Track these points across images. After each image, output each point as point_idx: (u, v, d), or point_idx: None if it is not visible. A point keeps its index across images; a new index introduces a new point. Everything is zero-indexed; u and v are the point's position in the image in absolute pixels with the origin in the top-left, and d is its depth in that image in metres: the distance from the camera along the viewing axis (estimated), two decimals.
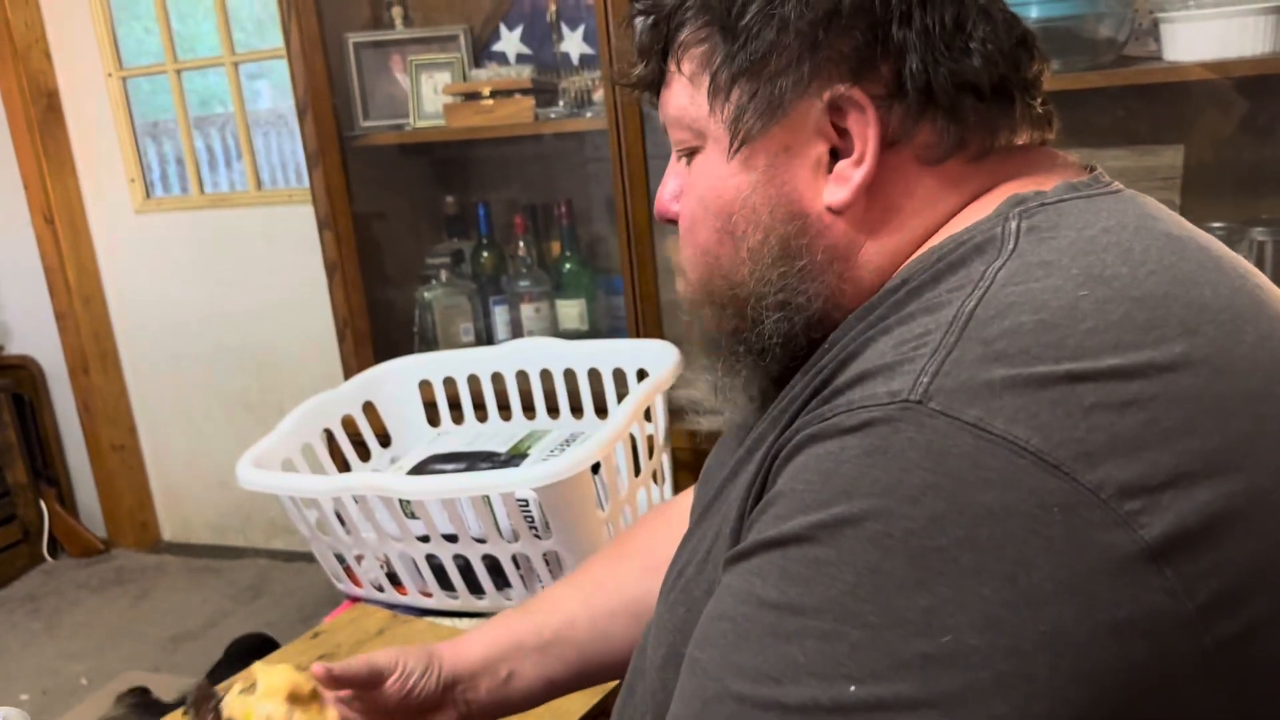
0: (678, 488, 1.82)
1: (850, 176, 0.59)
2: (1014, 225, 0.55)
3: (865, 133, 0.58)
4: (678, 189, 0.67)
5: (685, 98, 0.63)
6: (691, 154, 0.65)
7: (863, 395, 0.50)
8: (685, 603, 0.62)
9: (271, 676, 0.79)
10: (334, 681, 0.78)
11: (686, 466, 1.87)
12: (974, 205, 0.59)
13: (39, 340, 3.09)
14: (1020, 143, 0.61)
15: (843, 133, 0.59)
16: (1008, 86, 0.59)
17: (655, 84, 0.66)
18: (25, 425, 3.12)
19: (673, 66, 0.64)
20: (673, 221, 0.69)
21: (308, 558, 2.91)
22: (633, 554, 0.96)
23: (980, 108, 0.59)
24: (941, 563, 0.45)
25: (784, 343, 0.62)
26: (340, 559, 1.60)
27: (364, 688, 0.80)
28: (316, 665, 0.78)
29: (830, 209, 0.60)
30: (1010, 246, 0.54)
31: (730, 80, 0.60)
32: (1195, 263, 0.54)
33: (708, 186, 0.63)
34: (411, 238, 2.31)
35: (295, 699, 0.78)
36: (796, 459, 0.52)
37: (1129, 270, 0.52)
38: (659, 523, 0.97)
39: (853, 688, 0.45)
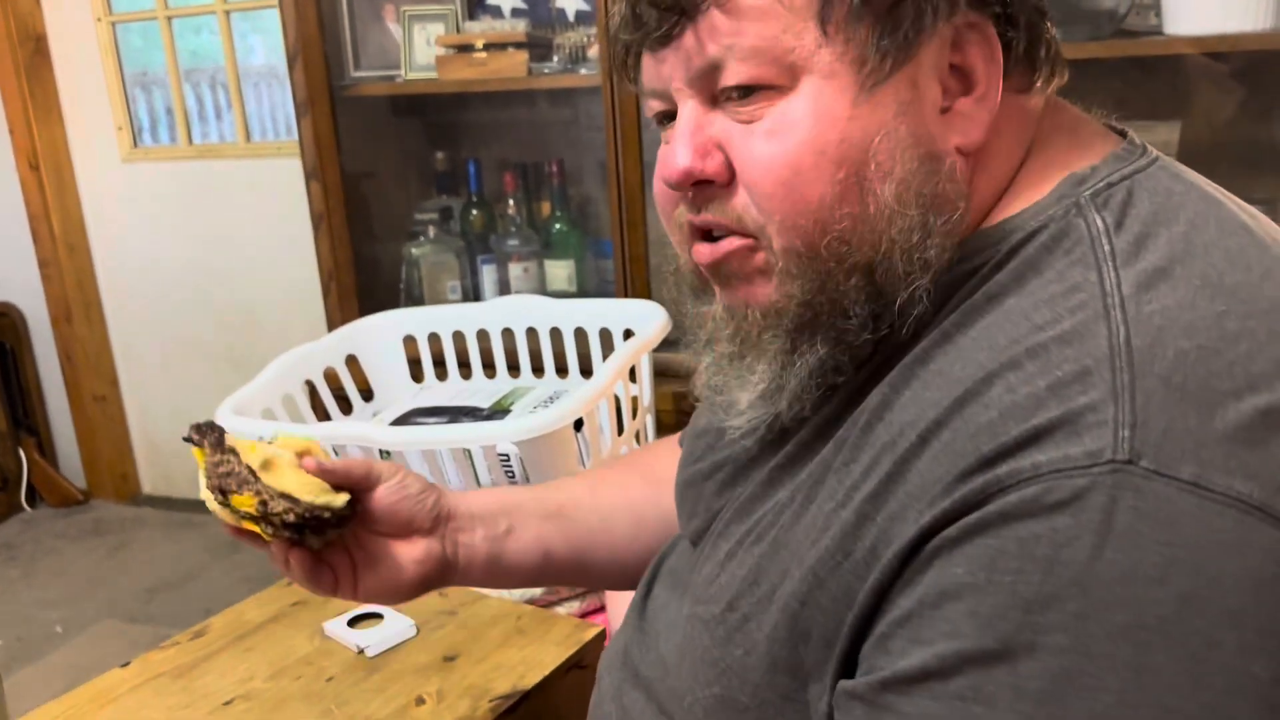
0: None
1: (976, 114, 0.54)
2: (1098, 222, 0.51)
3: (989, 65, 0.53)
4: (706, 143, 0.55)
5: (775, 25, 0.52)
6: (750, 93, 0.54)
7: (1051, 459, 0.44)
8: (744, 645, 0.55)
9: (290, 438, 0.75)
10: (328, 475, 0.72)
11: (669, 429, 1.86)
12: (1025, 173, 0.56)
13: (22, 288, 3.06)
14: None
15: (954, 70, 0.54)
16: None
17: (686, 9, 0.53)
18: (6, 373, 3.10)
19: None
20: (702, 182, 0.56)
21: None
22: (637, 466, 0.92)
23: (1051, 39, 0.56)
24: (1206, 648, 0.42)
25: (920, 313, 0.53)
26: None
27: (357, 488, 0.74)
28: (308, 460, 0.72)
29: (961, 150, 0.54)
30: (1106, 249, 0.50)
31: (859, 6, 0.51)
32: (1276, 255, 0.52)
33: (820, 131, 0.52)
34: (400, 193, 2.29)
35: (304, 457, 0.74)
36: (979, 542, 0.45)
37: (1243, 276, 0.49)
38: (664, 449, 0.91)
39: None
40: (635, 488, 0.87)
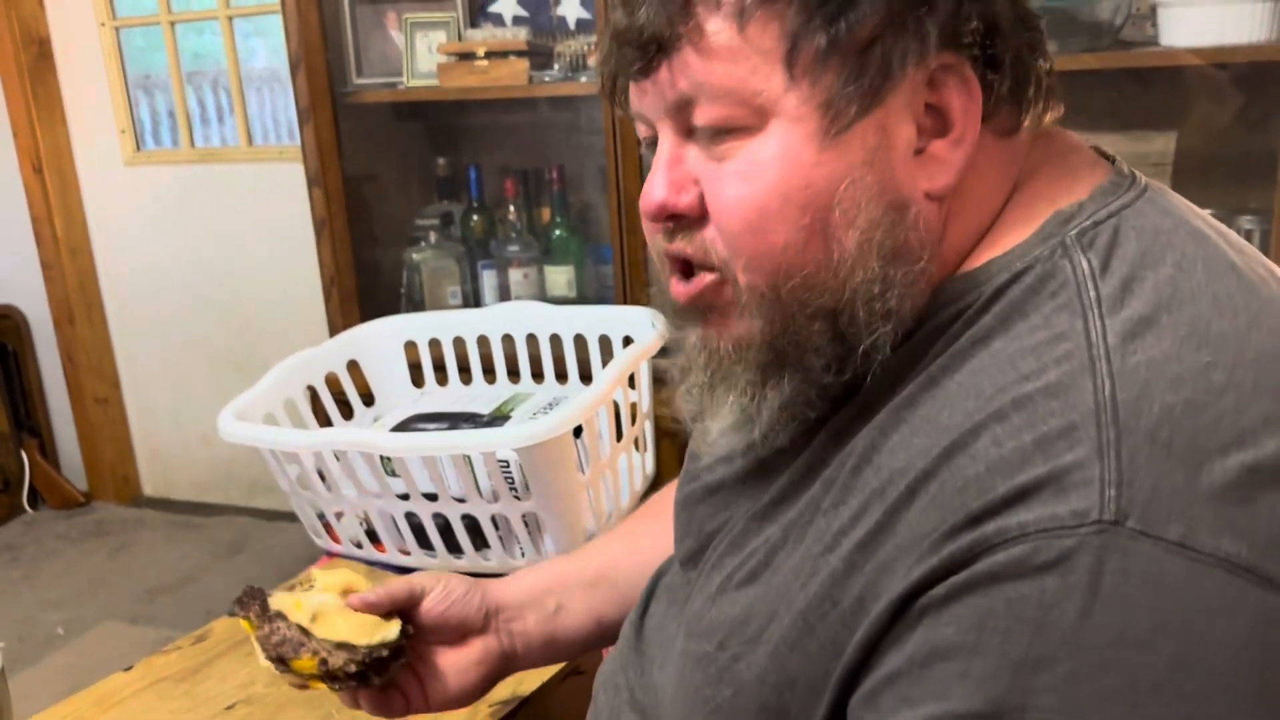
0: (659, 455, 1.82)
1: (950, 158, 0.53)
2: (1084, 265, 0.50)
3: (966, 107, 0.52)
4: (683, 178, 0.56)
5: (743, 67, 0.52)
6: (721, 132, 0.54)
7: (1038, 519, 0.44)
8: (733, 684, 0.56)
9: (328, 576, 0.77)
10: (374, 608, 0.74)
11: (669, 435, 1.87)
12: (1010, 210, 0.55)
13: (24, 290, 3.07)
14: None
15: (929, 109, 0.53)
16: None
17: (663, 45, 0.53)
18: (9, 375, 3.11)
19: (710, 24, 0.52)
20: (675, 217, 0.56)
21: (288, 517, 2.90)
22: (667, 514, 0.94)
23: (1045, 75, 0.55)
24: (1197, 711, 0.42)
25: (883, 360, 0.54)
26: (320, 515, 1.60)
27: (404, 609, 0.77)
28: (353, 599, 0.74)
29: (929, 195, 0.53)
30: (1091, 295, 0.49)
31: (825, 50, 0.51)
32: (1265, 299, 0.51)
33: (786, 175, 0.52)
34: (401, 198, 2.30)
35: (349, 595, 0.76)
36: (967, 603, 0.45)
37: (1230, 324, 0.48)
38: None
39: None
40: (669, 536, 0.88)
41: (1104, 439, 0.45)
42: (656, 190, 0.56)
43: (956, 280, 0.54)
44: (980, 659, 0.44)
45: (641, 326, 1.68)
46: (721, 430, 0.58)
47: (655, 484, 1.80)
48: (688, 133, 0.55)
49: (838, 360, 0.54)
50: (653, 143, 0.58)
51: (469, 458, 1.39)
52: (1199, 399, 0.46)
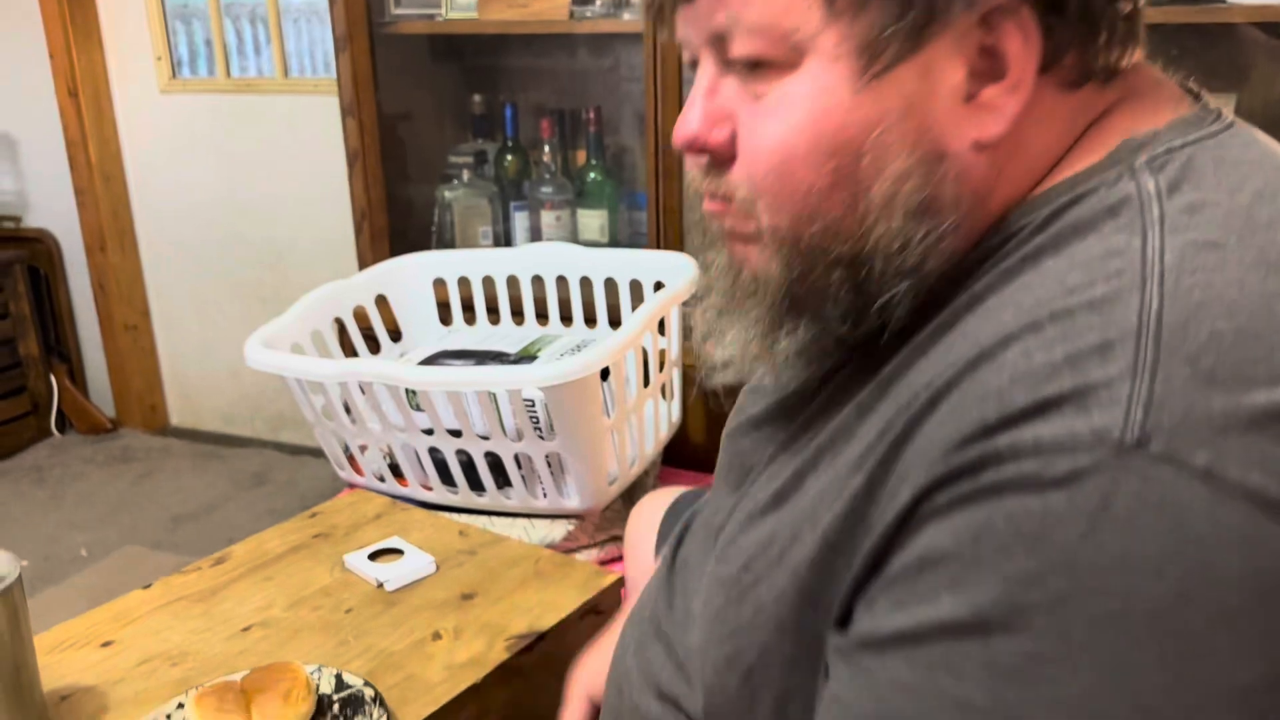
0: (686, 405, 1.80)
1: (1003, 105, 0.49)
2: (1150, 185, 0.47)
3: (1023, 52, 0.49)
4: (717, 111, 0.54)
5: (780, 2, 0.49)
6: (757, 66, 0.51)
7: (1055, 435, 0.42)
8: (754, 604, 0.55)
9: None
10: None
11: (696, 385, 1.85)
12: (1081, 140, 0.52)
13: (57, 215, 3.07)
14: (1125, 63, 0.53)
15: (984, 52, 0.49)
16: None
17: None
18: (40, 299, 3.12)
19: None
20: (706, 152, 0.55)
21: (313, 452, 2.91)
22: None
23: (1122, 20, 0.51)
24: (1195, 647, 0.40)
25: (906, 315, 0.51)
26: (344, 448, 1.59)
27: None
28: None
29: (976, 145, 0.50)
30: (1155, 214, 0.46)
31: None
32: None
33: (816, 117, 0.50)
34: (435, 135, 2.27)
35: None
36: (968, 512, 0.43)
37: None
38: None
39: None
40: None
41: (1141, 359, 0.42)
42: (691, 121, 0.55)
43: (1020, 212, 0.51)
44: (973, 570, 0.43)
45: (674, 272, 1.66)
46: (725, 359, 0.57)
47: (681, 433, 1.78)
48: (727, 64, 0.53)
49: (855, 311, 0.53)
50: (695, 64, 0.56)
51: (494, 395, 1.38)
52: (1254, 328, 0.43)
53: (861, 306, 0.52)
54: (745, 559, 0.57)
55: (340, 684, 0.86)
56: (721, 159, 0.54)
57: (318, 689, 0.82)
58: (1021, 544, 0.41)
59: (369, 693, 0.85)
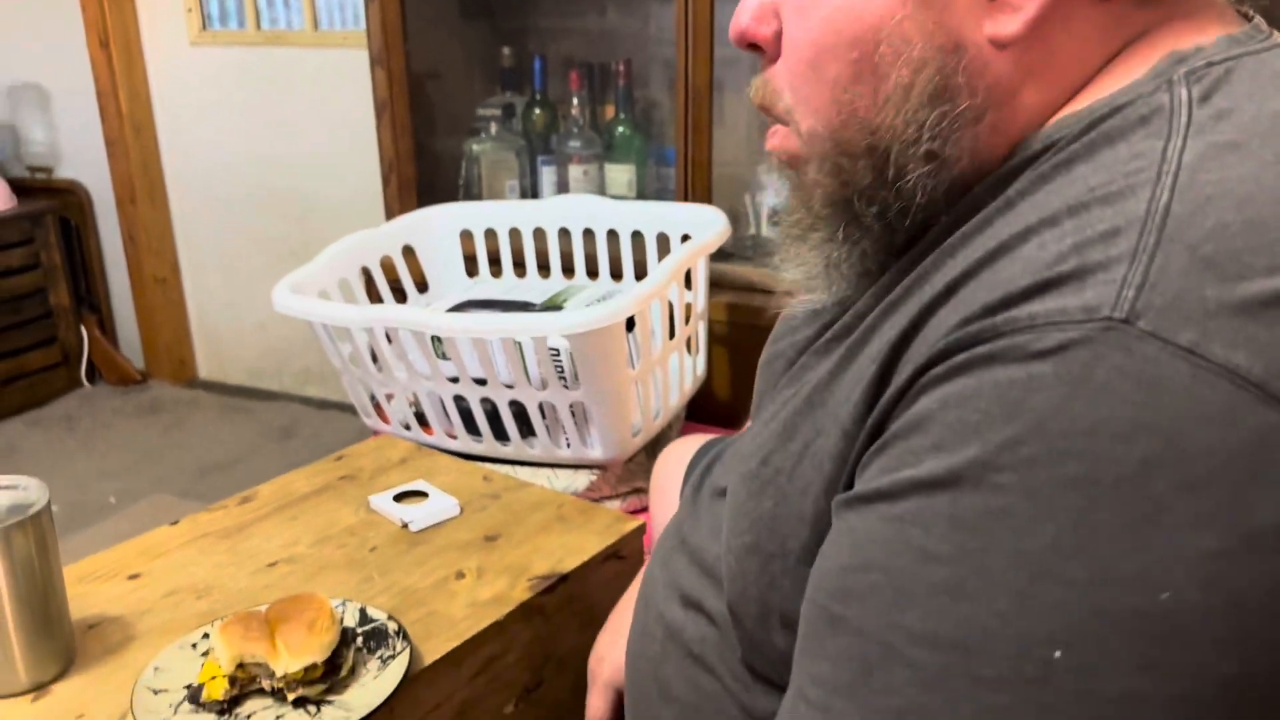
0: (711, 360, 1.80)
1: (1022, 4, 0.50)
2: (1183, 94, 0.48)
3: None
4: (766, 8, 0.57)
5: None
6: None
7: (1048, 310, 0.43)
8: (774, 496, 0.57)
9: (223, 641, 0.80)
10: None
11: (721, 340, 1.85)
12: (1125, 56, 0.52)
13: (88, 166, 3.09)
14: None
15: None
16: None
17: None
18: (71, 251, 3.15)
19: None
20: (754, 48, 0.58)
21: (339, 406, 2.94)
22: None
23: None
24: (1157, 512, 0.40)
25: (926, 204, 0.53)
26: (371, 397, 1.60)
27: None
28: None
29: (994, 42, 0.51)
30: (1184, 120, 0.47)
31: None
32: None
33: (841, 9, 0.52)
34: (464, 88, 2.26)
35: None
36: (959, 381, 0.45)
37: None
38: None
39: (1058, 653, 0.41)
40: None
41: (1142, 244, 0.43)
42: (742, 16, 0.57)
43: (1058, 123, 0.52)
44: (952, 433, 0.44)
45: (702, 225, 1.65)
46: (794, 282, 0.60)
47: (706, 387, 1.78)
48: None
49: (881, 204, 0.54)
50: None
51: (519, 344, 1.38)
52: (1262, 220, 0.43)
53: (886, 199, 0.54)
54: (764, 453, 0.58)
55: (364, 618, 0.86)
56: (768, 60, 0.57)
57: (342, 621, 0.82)
58: (1002, 410, 0.43)
59: (392, 626, 0.85)
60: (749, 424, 0.74)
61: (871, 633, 0.45)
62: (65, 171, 3.15)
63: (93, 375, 3.22)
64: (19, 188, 3.06)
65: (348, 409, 2.87)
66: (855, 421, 0.51)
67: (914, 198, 0.53)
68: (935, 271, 0.51)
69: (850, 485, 0.51)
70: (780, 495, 0.56)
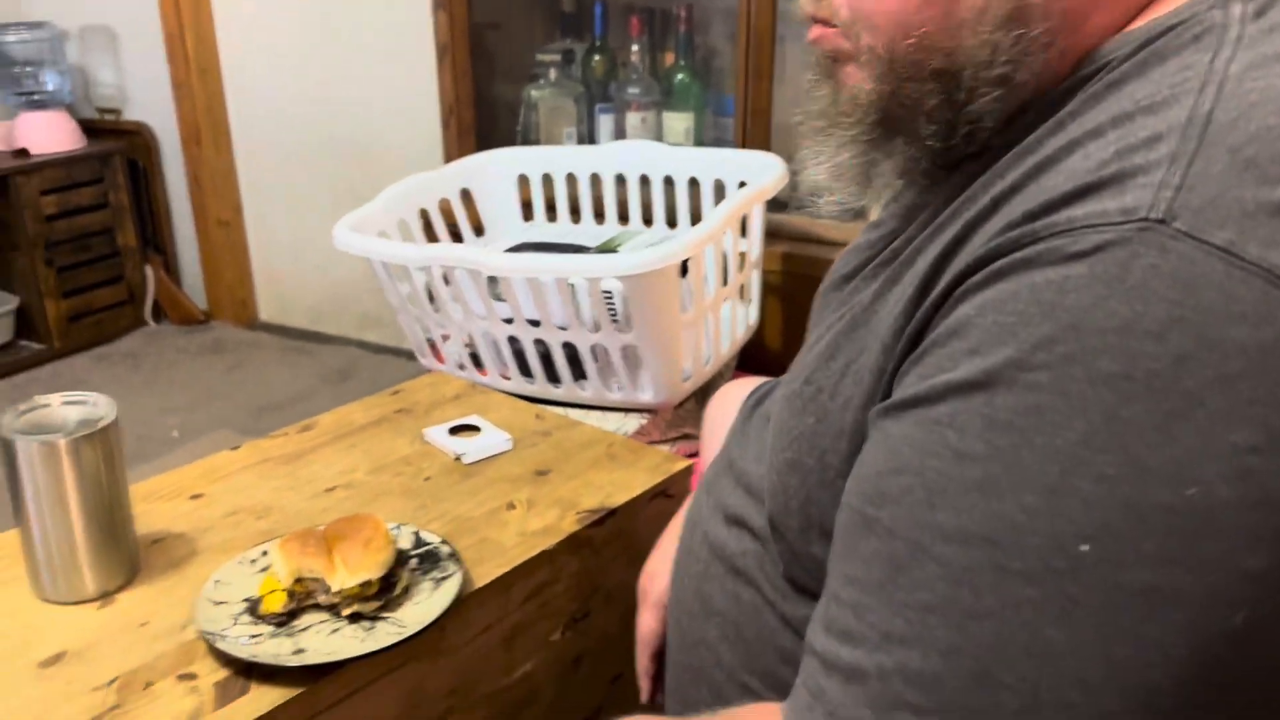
0: (764, 309, 1.80)
1: None
2: (1237, 10, 0.48)
3: None
4: None
5: None
6: None
7: (1087, 213, 0.43)
8: (816, 413, 0.58)
9: (282, 556, 0.82)
10: None
11: (775, 290, 1.84)
12: None
13: (155, 108, 3.13)
14: None
15: None
16: None
17: None
18: (138, 191, 3.21)
19: None
20: None
21: (395, 351, 2.98)
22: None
23: None
24: (1188, 407, 0.40)
25: (993, 127, 0.53)
26: (427, 338, 1.62)
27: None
28: None
29: None
30: (1234, 34, 0.47)
31: None
32: None
33: None
34: (524, 34, 2.26)
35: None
36: (997, 286, 0.45)
37: None
38: None
39: (1085, 546, 0.41)
40: None
41: (1182, 148, 0.44)
42: None
43: (1111, 45, 0.52)
44: (990, 336, 0.45)
45: (760, 171, 1.64)
46: (818, 180, 0.59)
47: (758, 336, 1.78)
48: None
49: (946, 125, 0.54)
50: None
51: (573, 285, 1.39)
52: None
53: (952, 120, 0.54)
54: (807, 373, 0.59)
55: (418, 541, 0.89)
56: None
57: (396, 543, 0.85)
58: (1039, 311, 0.43)
59: (445, 549, 0.87)
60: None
61: (903, 532, 0.46)
62: (133, 113, 3.20)
63: (158, 314, 3.29)
64: (88, 129, 3.12)
65: (404, 353, 2.91)
66: (894, 334, 0.52)
67: (979, 120, 0.53)
68: (984, 192, 0.51)
69: (888, 396, 0.52)
70: (821, 412, 0.57)
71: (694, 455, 1.37)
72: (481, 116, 2.18)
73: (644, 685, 0.86)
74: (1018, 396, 0.43)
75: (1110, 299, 0.42)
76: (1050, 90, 0.52)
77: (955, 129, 0.54)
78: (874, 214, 0.69)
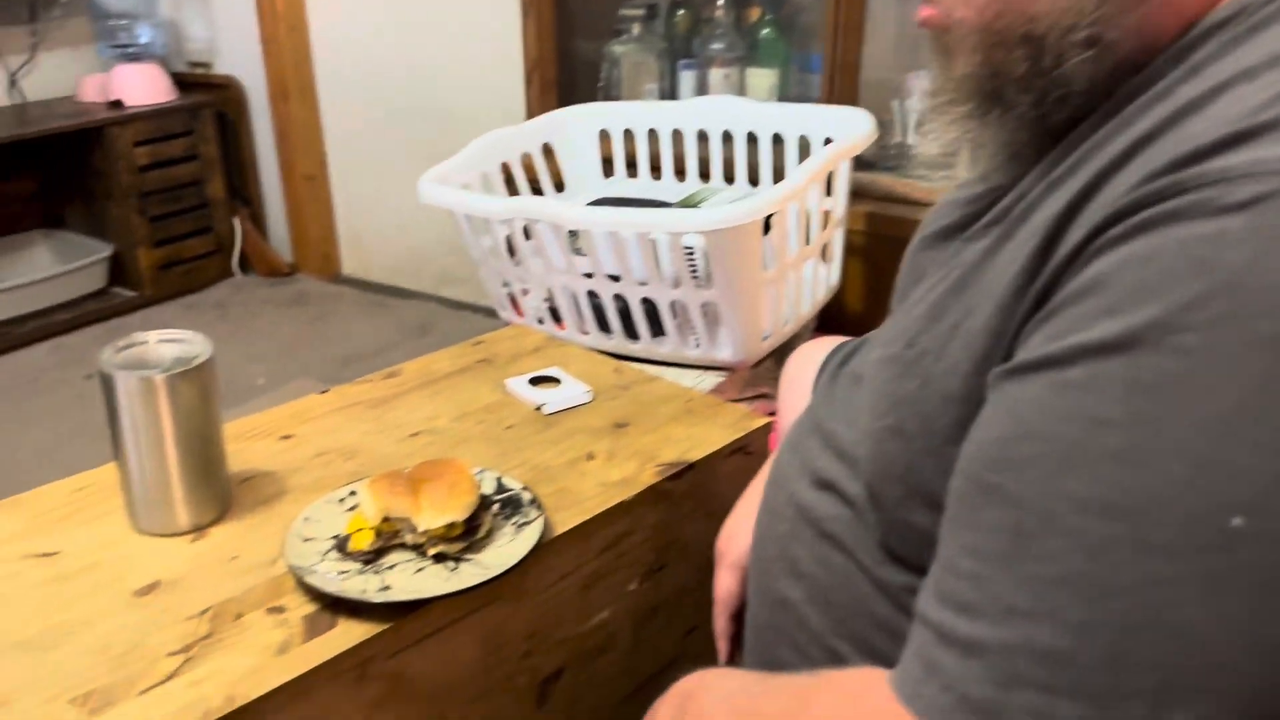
0: (847, 269, 1.77)
1: None
2: None
3: None
4: None
5: None
6: None
7: (1242, 162, 0.41)
8: (920, 376, 0.56)
9: (370, 495, 0.83)
10: None
11: (858, 251, 1.82)
12: None
13: (244, 62, 3.19)
14: None
15: None
16: None
17: None
18: (226, 144, 3.27)
19: None
20: None
21: (474, 308, 3.01)
22: None
23: None
24: None
25: (1086, 89, 0.51)
26: (508, 292, 1.64)
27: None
28: None
29: None
30: None
31: None
32: None
33: None
34: None
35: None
36: (1139, 240, 0.42)
37: None
38: None
39: (1236, 520, 0.39)
40: None
41: None
42: None
43: None
44: (1130, 294, 0.42)
45: (846, 126, 1.61)
46: (939, 158, 0.59)
47: (839, 297, 1.76)
48: None
49: (1040, 92, 0.53)
50: None
51: (654, 240, 1.38)
52: None
53: (1043, 86, 0.52)
54: (909, 336, 0.58)
55: (501, 486, 0.90)
56: None
57: (480, 487, 0.86)
58: (1190, 267, 0.41)
59: (527, 496, 0.88)
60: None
61: (1031, 501, 0.44)
62: (223, 67, 3.26)
63: (244, 265, 3.36)
64: (180, 82, 3.18)
65: (482, 310, 2.94)
66: (1015, 294, 0.50)
67: (1071, 84, 0.51)
68: (1109, 142, 0.49)
69: (1008, 358, 0.50)
70: (925, 376, 0.55)
71: (772, 414, 1.37)
72: (564, 73, 2.18)
73: (721, 646, 0.86)
74: (1164, 359, 0.41)
75: (1270, 255, 0.39)
76: (1170, 43, 0.50)
77: (1047, 94, 0.52)
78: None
